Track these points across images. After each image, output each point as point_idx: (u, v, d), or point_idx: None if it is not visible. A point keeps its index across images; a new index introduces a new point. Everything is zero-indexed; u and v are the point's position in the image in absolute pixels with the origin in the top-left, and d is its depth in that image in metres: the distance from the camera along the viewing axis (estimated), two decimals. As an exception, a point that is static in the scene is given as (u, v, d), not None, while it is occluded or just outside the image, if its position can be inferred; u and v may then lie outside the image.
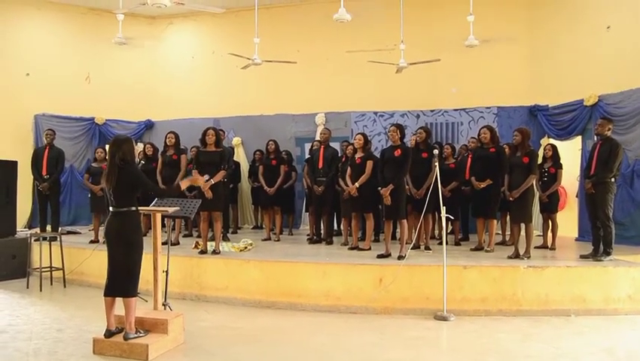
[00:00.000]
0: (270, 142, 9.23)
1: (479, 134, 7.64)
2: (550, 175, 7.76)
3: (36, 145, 10.67)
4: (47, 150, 8.69)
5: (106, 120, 11.84)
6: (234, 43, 10.82)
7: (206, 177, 5.96)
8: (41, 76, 11.30)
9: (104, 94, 11.76)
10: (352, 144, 7.90)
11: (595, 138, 6.84)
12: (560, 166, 7.81)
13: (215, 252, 6.97)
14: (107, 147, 9.70)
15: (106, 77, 11.92)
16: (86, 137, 11.73)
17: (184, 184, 5.07)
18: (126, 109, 11.90)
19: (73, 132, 11.51)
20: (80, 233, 9.65)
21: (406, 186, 7.31)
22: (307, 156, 9.81)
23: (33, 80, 11.25)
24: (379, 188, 6.91)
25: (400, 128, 7.03)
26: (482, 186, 7.30)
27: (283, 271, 6.37)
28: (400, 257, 6.43)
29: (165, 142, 8.30)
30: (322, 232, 8.60)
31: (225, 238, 8.36)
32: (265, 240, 8.75)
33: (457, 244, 8.25)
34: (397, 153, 6.83)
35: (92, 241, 8.18)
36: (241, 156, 11.33)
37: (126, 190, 4.47)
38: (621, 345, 4.81)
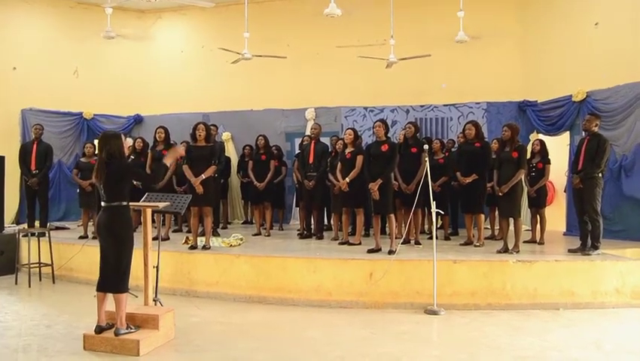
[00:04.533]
0: (260, 137, 9.21)
1: (464, 130, 7.70)
2: (538, 170, 7.83)
3: (23, 140, 10.55)
4: (35, 145, 8.59)
5: (94, 115, 11.72)
6: (224, 38, 10.76)
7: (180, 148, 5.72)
8: (28, 70, 11.17)
9: (92, 88, 11.65)
10: (342, 139, 7.91)
11: (583, 134, 6.90)
12: (548, 161, 7.87)
13: (206, 247, 6.96)
14: (96, 142, 9.70)
15: (94, 71, 11.80)
16: (75, 132, 11.61)
17: (168, 161, 4.85)
18: (115, 104, 11.78)
19: (61, 127, 11.38)
20: (68, 229, 9.60)
21: (395, 182, 7.35)
22: (297, 151, 9.81)
23: (20, 74, 11.12)
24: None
25: (385, 123, 7.07)
26: (467, 181, 7.33)
27: (274, 266, 6.37)
28: (390, 252, 6.46)
29: (154, 137, 8.25)
30: (313, 227, 8.60)
31: (215, 234, 8.34)
32: (255, 235, 8.74)
33: (446, 238, 8.29)
34: (385, 148, 6.85)
35: (81, 237, 8.13)
36: (231, 151, 11.29)
37: (115, 185, 4.46)
38: (609, 338, 4.87)
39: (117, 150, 4.50)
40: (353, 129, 7.68)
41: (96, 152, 5.02)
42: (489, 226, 8.56)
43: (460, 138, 8.75)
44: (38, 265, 7.41)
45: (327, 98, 11.02)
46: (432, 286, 5.71)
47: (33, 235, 7.61)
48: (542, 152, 7.91)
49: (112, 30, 10.66)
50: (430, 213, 6.12)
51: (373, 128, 7.12)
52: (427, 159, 6.15)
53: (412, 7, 10.56)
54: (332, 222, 8.74)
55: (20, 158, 8.62)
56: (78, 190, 8.75)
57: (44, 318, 5.51)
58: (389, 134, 7.28)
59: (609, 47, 8.48)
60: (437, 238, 6.07)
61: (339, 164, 7.64)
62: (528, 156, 7.80)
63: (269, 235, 8.79)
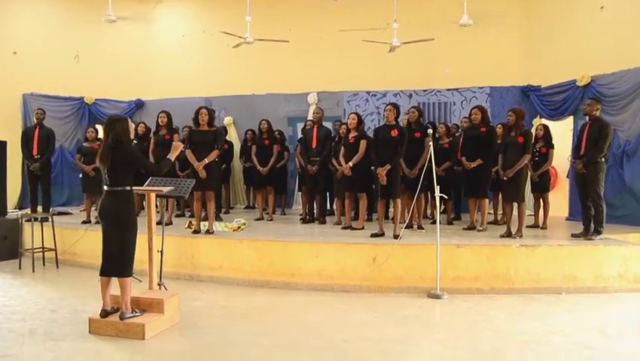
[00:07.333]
0: (263, 122, 9.19)
1: (470, 115, 7.65)
2: (542, 155, 7.81)
3: (24, 125, 10.53)
4: (37, 130, 8.58)
5: (95, 100, 11.67)
6: (225, 22, 10.66)
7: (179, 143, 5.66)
8: (28, 54, 11.11)
9: (93, 73, 11.56)
10: (346, 124, 7.88)
11: (586, 118, 6.87)
12: (551, 146, 7.86)
13: (209, 232, 6.97)
14: (99, 126, 9.68)
15: (95, 55, 11.71)
16: (76, 116, 11.57)
17: (173, 156, 4.95)
18: (116, 88, 11.71)
19: (62, 112, 11.34)
20: (71, 214, 9.60)
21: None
22: (299, 135, 9.78)
23: (21, 59, 11.07)
24: (372, 167, 6.90)
25: (397, 107, 7.02)
26: (472, 166, 7.32)
27: (277, 250, 6.39)
28: (395, 236, 6.46)
29: (157, 122, 8.23)
30: (315, 211, 8.61)
31: (218, 218, 8.35)
32: (258, 220, 8.74)
33: (449, 223, 8.29)
34: (394, 133, 6.80)
35: (84, 222, 8.14)
36: (233, 136, 11.26)
37: (120, 169, 4.44)
38: (611, 323, 4.88)
39: (123, 134, 4.48)
40: (357, 114, 7.65)
41: (100, 136, 4.99)
42: (491, 211, 8.56)
43: (464, 122, 8.71)
44: (41, 249, 7.43)
45: (329, 82, 10.95)
46: (435, 271, 5.72)
47: (36, 219, 7.62)
48: (545, 136, 7.88)
49: (113, 14, 10.57)
50: (433, 197, 6.11)
51: (384, 111, 7.05)
52: (431, 143, 6.12)
53: (415, -9, 10.48)
54: (335, 206, 8.74)
55: (22, 143, 8.61)
56: (81, 175, 8.74)
57: (49, 302, 5.54)
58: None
59: (614, 31, 8.40)
60: (440, 222, 6.07)
61: (342, 148, 7.62)
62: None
63: (271, 220, 8.79)
